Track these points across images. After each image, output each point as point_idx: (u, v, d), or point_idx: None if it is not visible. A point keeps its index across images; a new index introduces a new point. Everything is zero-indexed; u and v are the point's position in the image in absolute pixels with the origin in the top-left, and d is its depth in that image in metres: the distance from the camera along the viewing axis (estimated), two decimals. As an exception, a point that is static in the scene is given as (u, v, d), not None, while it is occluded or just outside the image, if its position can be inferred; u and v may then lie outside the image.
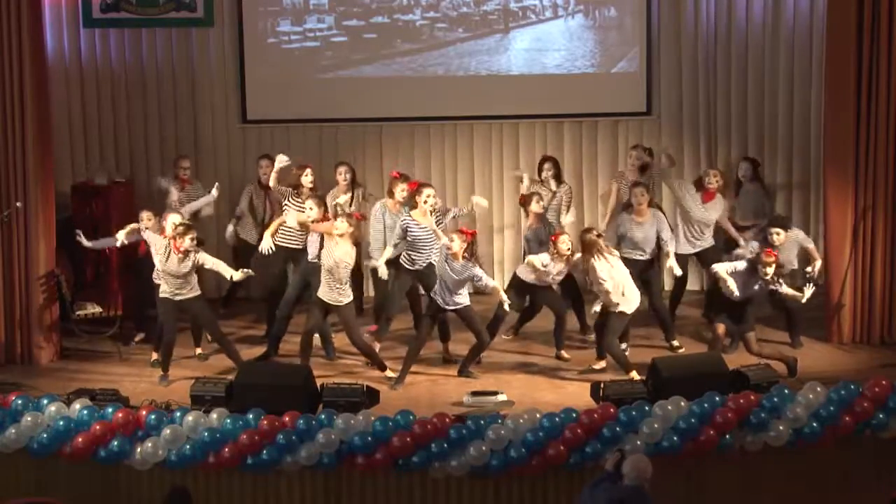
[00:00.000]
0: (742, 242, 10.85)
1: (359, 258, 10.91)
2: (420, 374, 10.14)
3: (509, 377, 10.13)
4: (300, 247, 10.63)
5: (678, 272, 10.65)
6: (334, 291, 9.86)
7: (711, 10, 12.42)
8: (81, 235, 10.34)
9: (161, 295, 9.97)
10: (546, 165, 11.63)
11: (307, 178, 10.80)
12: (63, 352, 10.76)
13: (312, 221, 10.23)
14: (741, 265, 9.88)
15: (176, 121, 12.47)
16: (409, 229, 10.33)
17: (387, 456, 8.43)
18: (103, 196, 11.64)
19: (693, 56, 12.51)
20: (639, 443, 8.40)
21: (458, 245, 9.77)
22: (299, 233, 10.62)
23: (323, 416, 8.58)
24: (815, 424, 8.67)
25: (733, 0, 12.38)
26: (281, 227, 10.67)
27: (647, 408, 8.61)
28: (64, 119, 12.12)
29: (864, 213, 10.69)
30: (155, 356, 10.34)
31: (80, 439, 8.48)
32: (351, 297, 9.99)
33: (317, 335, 10.37)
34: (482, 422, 8.52)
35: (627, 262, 10.18)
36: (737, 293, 9.78)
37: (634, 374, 9.78)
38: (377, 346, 10.48)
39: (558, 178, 11.62)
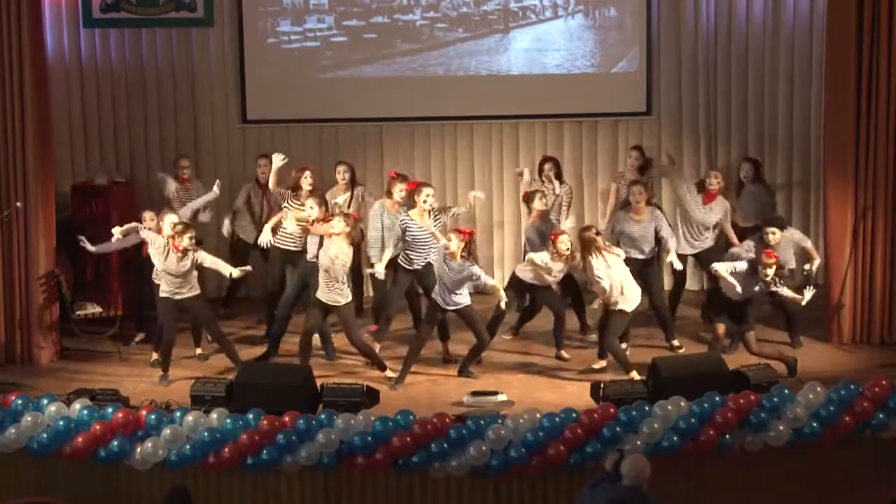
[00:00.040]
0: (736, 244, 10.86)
1: (359, 258, 10.94)
2: (420, 374, 10.14)
3: (509, 377, 10.13)
4: (298, 249, 10.63)
5: (678, 266, 10.65)
6: (332, 292, 9.86)
7: (711, 10, 12.42)
8: (85, 241, 10.34)
9: (161, 294, 9.97)
10: (547, 166, 11.63)
11: (306, 181, 10.79)
12: (63, 352, 10.76)
13: (313, 221, 10.23)
14: (741, 265, 9.88)
15: (176, 121, 12.47)
16: (408, 229, 10.33)
17: (387, 456, 8.43)
18: (103, 196, 11.64)
19: (693, 56, 12.52)
20: (639, 443, 8.40)
21: (455, 244, 9.77)
22: (298, 236, 10.62)
23: (323, 416, 8.58)
24: (815, 424, 8.67)
25: (733, 0, 12.38)
26: (280, 230, 10.69)
27: (647, 408, 8.61)
28: (64, 119, 12.12)
29: (864, 213, 10.69)
30: (155, 356, 10.34)
31: (80, 439, 8.48)
32: (350, 298, 9.99)
33: (316, 335, 10.37)
34: (482, 422, 8.52)
35: (626, 260, 10.18)
36: (739, 289, 9.77)
37: (634, 374, 9.79)
38: (377, 347, 10.48)
39: (559, 178, 11.63)
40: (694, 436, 8.54)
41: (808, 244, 10.78)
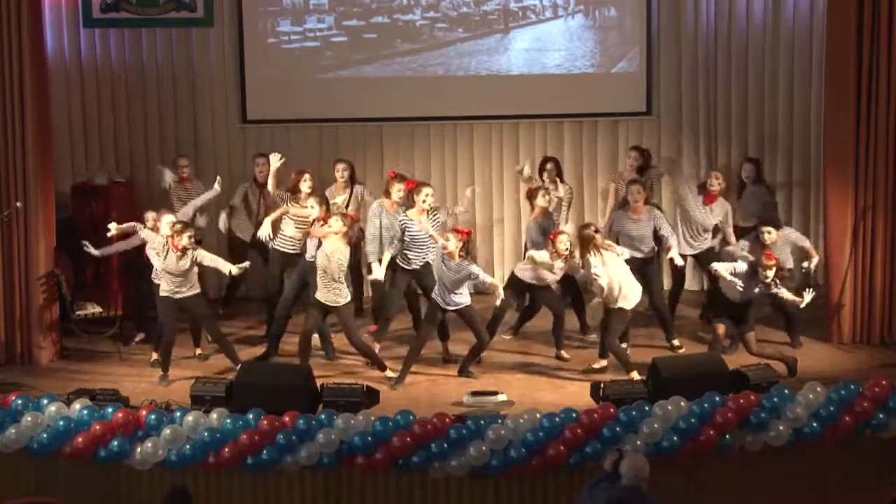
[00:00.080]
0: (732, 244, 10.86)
1: (358, 258, 10.93)
2: (420, 374, 10.14)
3: (509, 377, 10.13)
4: (297, 252, 10.62)
5: (679, 262, 10.65)
6: (331, 292, 9.86)
7: (711, 10, 12.42)
8: (89, 245, 10.34)
9: (161, 293, 9.97)
10: (548, 166, 11.63)
11: (305, 184, 10.76)
12: (63, 352, 10.76)
13: (313, 220, 10.23)
14: (741, 266, 9.88)
15: (176, 121, 12.47)
16: (406, 229, 10.33)
17: (387, 456, 8.43)
18: (103, 196, 11.64)
19: (693, 56, 12.52)
20: (639, 443, 8.40)
21: (453, 244, 9.78)
22: (298, 239, 10.62)
23: (323, 416, 8.58)
24: (815, 424, 8.67)
25: (733, 0, 12.38)
26: (279, 234, 10.70)
27: (647, 408, 8.61)
28: (64, 119, 12.12)
29: (864, 213, 10.69)
30: (155, 356, 10.34)
31: (80, 439, 8.47)
32: (348, 298, 9.98)
33: (316, 335, 10.38)
34: (482, 422, 8.52)
35: (625, 260, 10.17)
36: (741, 285, 9.77)
37: (635, 374, 9.79)
38: (377, 347, 10.47)
39: (559, 178, 11.62)
40: (694, 436, 8.53)
41: (806, 243, 10.78)
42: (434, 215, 10.43)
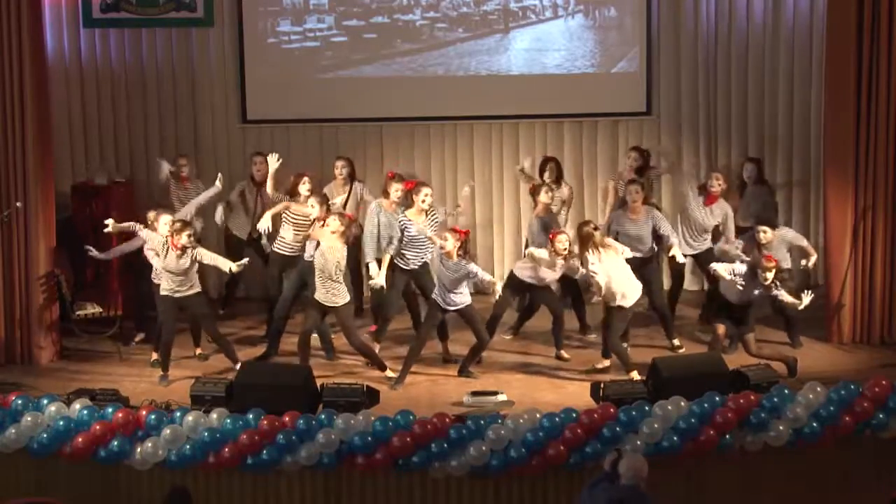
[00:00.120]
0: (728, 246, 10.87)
1: (359, 258, 10.92)
2: (420, 374, 10.14)
3: (509, 377, 10.13)
4: (297, 254, 10.61)
5: (681, 259, 10.64)
6: (329, 292, 9.85)
7: (711, 10, 12.42)
8: (93, 250, 10.35)
9: (161, 293, 9.97)
10: (549, 166, 11.63)
11: (304, 187, 10.74)
12: (63, 352, 10.76)
13: (313, 220, 10.23)
14: (740, 268, 9.87)
15: (176, 121, 12.47)
16: (406, 229, 10.33)
17: (387, 456, 8.43)
18: (103, 196, 11.64)
19: (693, 56, 12.52)
20: (639, 443, 8.40)
21: (451, 244, 9.78)
22: (297, 244, 10.61)
23: (323, 416, 8.58)
24: (815, 424, 8.67)
25: (733, 0, 12.38)
26: (278, 238, 10.70)
27: (647, 408, 8.61)
28: (64, 119, 12.12)
29: (864, 213, 10.69)
30: (155, 356, 10.34)
31: (80, 439, 8.47)
32: (347, 298, 9.97)
33: (316, 335, 10.37)
34: (482, 422, 8.52)
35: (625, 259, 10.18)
36: (741, 284, 9.76)
37: (635, 374, 9.79)
38: (377, 348, 10.47)
39: (560, 178, 11.62)
40: (694, 436, 8.53)
41: (803, 242, 10.78)
42: (432, 214, 10.44)
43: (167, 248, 9.84)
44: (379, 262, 10.46)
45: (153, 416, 8.59)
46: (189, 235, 9.84)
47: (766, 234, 10.40)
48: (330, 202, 10.64)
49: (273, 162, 10.79)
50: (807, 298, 9.79)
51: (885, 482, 8.49)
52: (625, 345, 10.36)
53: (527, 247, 10.84)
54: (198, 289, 10.05)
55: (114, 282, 11.30)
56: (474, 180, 12.55)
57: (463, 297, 9.95)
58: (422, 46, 12.47)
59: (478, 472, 8.48)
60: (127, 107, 12.36)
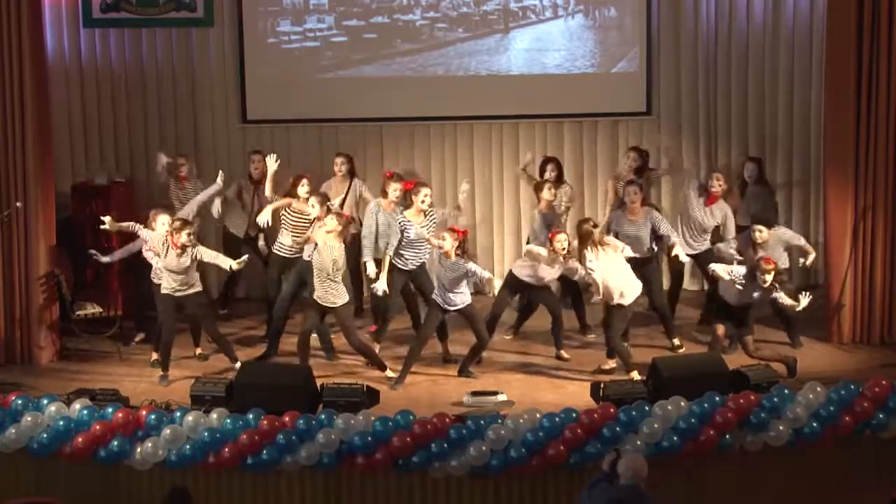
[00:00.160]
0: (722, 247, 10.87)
1: (359, 258, 10.91)
2: (420, 374, 10.14)
3: (509, 377, 10.13)
4: (296, 256, 10.61)
5: (685, 259, 10.64)
6: (328, 293, 9.84)
7: (711, 10, 12.42)
8: (98, 255, 10.35)
9: (162, 291, 9.97)
10: (550, 166, 11.63)
11: (303, 189, 10.74)
12: (63, 352, 10.76)
13: (313, 219, 10.22)
14: (740, 270, 9.87)
15: (176, 121, 12.47)
16: (406, 230, 10.33)
17: (387, 456, 8.43)
18: (103, 196, 11.62)
19: (693, 56, 12.51)
20: (639, 443, 8.40)
21: (449, 244, 9.78)
22: (296, 248, 10.60)
23: (323, 416, 8.58)
24: (815, 424, 8.67)
25: (733, 0, 12.38)
26: (277, 242, 10.70)
27: (647, 408, 8.61)
28: (64, 119, 12.12)
29: (864, 213, 10.69)
30: (155, 356, 10.34)
31: (80, 439, 8.47)
32: (346, 299, 9.97)
33: (315, 335, 10.37)
34: (482, 422, 8.52)
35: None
36: (740, 284, 9.76)
37: (635, 374, 9.79)
38: (377, 348, 10.47)
39: (560, 179, 11.62)
40: (694, 436, 8.53)
41: (800, 241, 10.77)
42: (430, 216, 10.43)
43: (167, 247, 9.85)
44: (377, 262, 10.47)
45: (153, 416, 8.59)
46: (189, 234, 9.84)
47: (761, 233, 10.40)
48: (328, 204, 10.64)
49: (272, 164, 10.77)
50: (805, 300, 9.79)
51: (885, 482, 8.49)
52: (625, 344, 10.35)
53: (528, 243, 10.84)
54: (198, 288, 10.05)
55: (114, 282, 11.30)
56: (474, 180, 12.57)
57: (463, 296, 9.95)
58: (422, 46, 12.47)
59: (478, 472, 8.48)
60: (127, 107, 12.36)
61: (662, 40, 12.51)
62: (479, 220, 12.64)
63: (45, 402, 8.73)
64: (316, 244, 9.91)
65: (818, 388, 8.81)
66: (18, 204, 10.34)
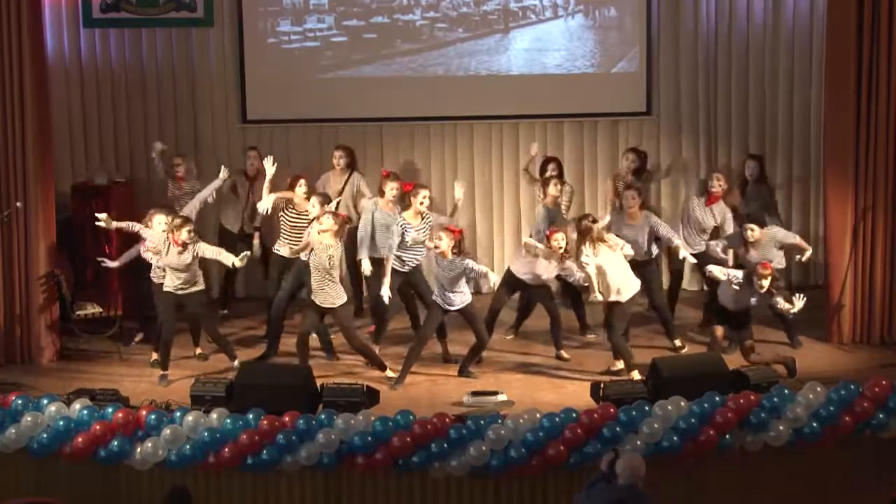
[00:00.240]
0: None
1: (356, 257, 10.90)
2: (420, 374, 10.14)
3: (509, 377, 10.13)
4: (295, 257, 10.59)
5: (691, 260, 10.64)
6: (327, 293, 9.83)
7: (711, 10, 12.42)
8: (107, 261, 10.35)
9: (164, 289, 9.96)
10: (550, 166, 11.63)
11: (301, 189, 10.72)
12: (63, 352, 10.77)
13: (313, 219, 10.22)
14: (736, 274, 9.86)
15: (176, 121, 12.47)
16: (406, 231, 10.33)
17: (387, 456, 8.43)
18: (103, 196, 11.61)
19: (693, 56, 12.51)
20: (639, 443, 8.40)
21: (446, 244, 9.78)
22: (295, 246, 10.58)
23: (323, 416, 8.58)
24: (815, 424, 8.67)
25: (733, 0, 12.38)
26: (276, 247, 10.69)
27: (647, 408, 8.61)
28: (64, 119, 12.12)
29: (864, 213, 10.69)
30: (155, 356, 10.34)
31: (80, 439, 8.47)
32: (345, 299, 9.96)
33: (314, 335, 10.36)
34: (482, 422, 8.52)
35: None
36: (737, 285, 9.75)
37: (635, 374, 9.79)
38: (376, 349, 10.47)
39: (560, 178, 11.62)
40: (694, 436, 8.53)
41: (794, 240, 10.76)
42: (426, 218, 10.43)
43: (168, 245, 9.85)
44: (373, 260, 10.46)
45: (153, 416, 8.59)
46: (189, 231, 9.84)
47: (753, 231, 10.40)
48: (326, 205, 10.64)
49: (269, 167, 10.72)
50: (799, 302, 9.78)
51: (885, 482, 8.49)
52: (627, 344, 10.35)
53: (530, 237, 10.83)
54: (201, 286, 10.05)
55: (114, 282, 11.29)
56: (474, 180, 12.58)
57: (463, 296, 9.95)
58: (422, 46, 12.47)
59: (478, 472, 8.48)
60: (127, 107, 12.36)
61: (662, 40, 12.51)
62: (478, 219, 12.64)
63: (45, 402, 8.73)
64: (313, 248, 9.91)
65: (818, 388, 8.81)
66: (18, 204, 10.34)
